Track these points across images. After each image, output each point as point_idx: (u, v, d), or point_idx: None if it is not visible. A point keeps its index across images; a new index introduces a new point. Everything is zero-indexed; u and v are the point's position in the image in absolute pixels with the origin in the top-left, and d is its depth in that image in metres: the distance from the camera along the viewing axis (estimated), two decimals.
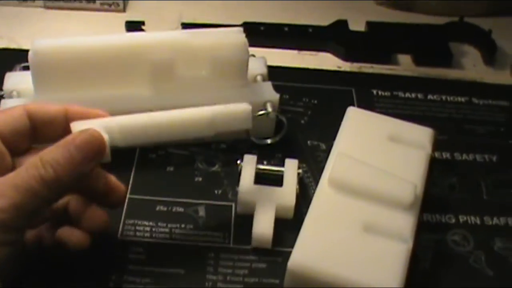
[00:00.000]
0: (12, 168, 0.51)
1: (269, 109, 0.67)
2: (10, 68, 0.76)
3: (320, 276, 0.54)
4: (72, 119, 0.52)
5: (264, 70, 0.72)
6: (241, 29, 0.68)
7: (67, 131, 0.51)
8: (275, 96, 0.68)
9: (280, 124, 0.69)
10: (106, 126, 0.52)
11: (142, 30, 0.85)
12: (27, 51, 0.63)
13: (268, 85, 0.69)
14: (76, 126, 0.51)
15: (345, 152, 0.63)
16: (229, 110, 0.56)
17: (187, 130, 0.55)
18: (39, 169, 0.47)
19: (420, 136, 0.66)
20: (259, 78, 0.71)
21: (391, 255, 0.56)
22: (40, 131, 0.52)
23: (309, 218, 0.58)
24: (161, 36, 0.66)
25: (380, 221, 0.58)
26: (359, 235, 0.57)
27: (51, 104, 0.52)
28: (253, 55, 0.70)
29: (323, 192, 0.61)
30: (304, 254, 0.55)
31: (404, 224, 0.58)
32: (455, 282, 0.60)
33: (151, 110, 0.61)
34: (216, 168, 0.68)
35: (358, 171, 0.61)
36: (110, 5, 0.91)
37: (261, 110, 0.67)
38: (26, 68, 0.71)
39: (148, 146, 0.54)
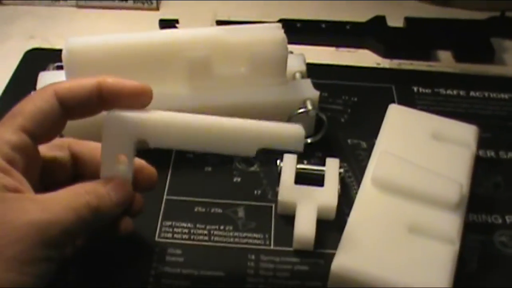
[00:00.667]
0: (39, 157, 0.50)
1: (309, 107, 0.65)
2: (43, 68, 0.75)
3: (365, 279, 0.53)
4: (107, 95, 0.49)
5: (303, 67, 0.70)
6: (279, 25, 0.66)
7: (102, 107, 0.50)
8: (315, 94, 0.67)
9: (319, 123, 0.68)
10: (141, 124, 0.50)
11: (176, 28, 0.84)
12: (60, 50, 0.62)
13: (308, 82, 0.68)
14: (110, 119, 0.50)
15: (388, 151, 0.61)
16: (279, 130, 0.52)
17: (227, 143, 0.51)
18: (85, 195, 0.47)
19: (464, 134, 0.65)
20: (298, 75, 0.69)
21: (438, 257, 0.54)
22: (71, 111, 0.50)
23: (353, 218, 0.57)
24: (197, 32, 0.65)
25: (425, 222, 0.56)
26: (404, 236, 0.55)
27: (82, 81, 0.50)
28: (291, 52, 0.68)
29: (366, 191, 0.59)
30: (348, 256, 0.54)
31: (451, 224, 0.56)
32: (503, 285, 0.57)
33: (187, 109, 0.60)
34: (255, 168, 0.66)
35: (402, 170, 0.59)
36: (143, 3, 0.90)
37: (301, 108, 0.65)
38: (60, 67, 0.70)
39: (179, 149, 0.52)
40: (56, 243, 0.44)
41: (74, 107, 0.49)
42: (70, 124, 0.51)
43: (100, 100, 0.49)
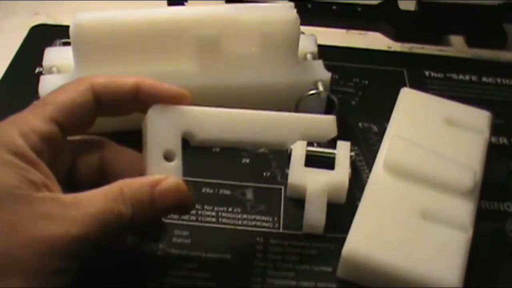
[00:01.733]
0: (67, 152, 0.48)
1: (321, 88, 0.64)
2: (49, 44, 0.74)
3: (376, 265, 0.52)
4: (144, 96, 0.48)
5: (315, 48, 0.69)
6: (292, 4, 0.65)
7: (136, 108, 0.49)
8: (327, 75, 0.65)
9: (330, 105, 0.67)
10: (187, 115, 0.49)
11: (184, 6, 0.82)
12: (65, 26, 0.61)
13: (319, 63, 0.67)
14: (155, 112, 0.48)
15: (400, 135, 0.60)
16: (315, 121, 0.54)
17: (269, 135, 0.52)
18: (119, 204, 0.44)
19: (477, 120, 0.64)
20: (309, 56, 0.68)
21: (450, 244, 0.53)
22: (105, 108, 0.48)
23: (364, 203, 0.56)
24: (207, 10, 0.64)
25: (438, 208, 0.55)
26: (416, 222, 0.54)
27: (121, 79, 0.48)
28: (303, 33, 0.67)
29: (377, 176, 0.58)
30: (359, 241, 0.53)
31: (463, 211, 0.56)
32: None
33: (196, 88, 0.59)
34: (264, 149, 0.65)
35: (414, 155, 0.58)
36: None
37: (312, 89, 0.64)
38: (66, 43, 0.70)
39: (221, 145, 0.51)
40: (79, 255, 0.43)
41: (108, 105, 0.48)
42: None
43: (136, 101, 0.48)
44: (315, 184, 0.59)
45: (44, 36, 0.79)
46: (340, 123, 0.64)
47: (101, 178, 0.50)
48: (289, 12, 0.64)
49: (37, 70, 0.73)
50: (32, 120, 0.44)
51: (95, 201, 0.43)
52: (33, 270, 0.40)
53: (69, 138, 0.48)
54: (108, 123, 0.52)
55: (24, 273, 0.40)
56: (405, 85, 0.73)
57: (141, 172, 0.49)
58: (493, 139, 0.68)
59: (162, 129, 0.48)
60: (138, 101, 0.48)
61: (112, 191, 0.44)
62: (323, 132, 0.53)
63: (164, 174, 0.47)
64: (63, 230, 0.41)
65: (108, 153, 0.51)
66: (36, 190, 0.42)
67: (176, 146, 0.49)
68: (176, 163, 0.49)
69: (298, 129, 0.52)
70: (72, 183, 0.49)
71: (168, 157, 0.49)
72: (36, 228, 0.41)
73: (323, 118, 0.53)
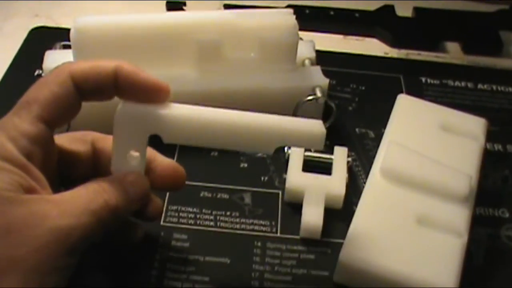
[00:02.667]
0: (55, 149, 0.48)
1: (318, 94, 0.64)
2: (49, 46, 0.73)
3: (372, 270, 0.52)
4: (122, 82, 0.47)
5: (313, 54, 0.70)
6: (290, 10, 0.66)
7: (116, 93, 0.47)
8: (325, 81, 0.66)
9: (327, 110, 0.67)
10: (154, 119, 0.47)
11: (183, 10, 0.83)
12: (65, 29, 0.62)
13: (317, 69, 0.67)
14: (123, 111, 0.47)
15: (397, 141, 0.60)
16: (300, 127, 0.49)
17: (245, 141, 0.48)
18: (103, 194, 0.44)
19: (473, 126, 0.64)
20: (307, 62, 0.68)
21: (446, 249, 0.54)
22: (85, 94, 0.47)
23: (361, 208, 0.56)
24: (207, 15, 0.64)
25: (434, 214, 0.56)
26: (412, 228, 0.55)
27: (101, 65, 0.47)
28: (301, 39, 0.68)
29: (374, 182, 0.59)
30: (356, 246, 0.53)
31: (459, 217, 0.56)
32: (509, 279, 0.57)
33: (195, 92, 0.60)
34: (262, 154, 0.65)
35: (411, 161, 0.58)
36: None
37: (310, 95, 0.64)
38: (66, 46, 0.70)
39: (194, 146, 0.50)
40: (76, 250, 0.43)
41: (89, 91, 0.47)
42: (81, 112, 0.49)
43: (115, 86, 0.47)
44: (313, 189, 0.59)
45: (44, 38, 0.79)
46: (338, 129, 0.66)
47: (93, 171, 0.51)
48: (288, 18, 0.65)
49: (36, 72, 0.74)
50: (20, 124, 0.44)
51: (80, 195, 0.44)
52: (31, 269, 0.40)
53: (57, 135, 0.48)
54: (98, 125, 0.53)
55: (21, 272, 0.40)
56: (401, 91, 0.74)
57: None
58: (488, 146, 0.69)
59: (128, 130, 0.48)
60: (118, 86, 0.47)
61: (91, 185, 0.45)
62: (308, 140, 0.49)
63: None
64: (57, 225, 0.41)
65: (97, 144, 0.52)
66: (27, 193, 0.42)
67: (141, 147, 0.48)
68: (139, 164, 0.49)
69: (280, 134, 0.48)
70: (66, 178, 0.50)
71: (131, 157, 0.49)
72: (29, 227, 0.41)
73: (310, 125, 0.50)
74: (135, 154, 0.48)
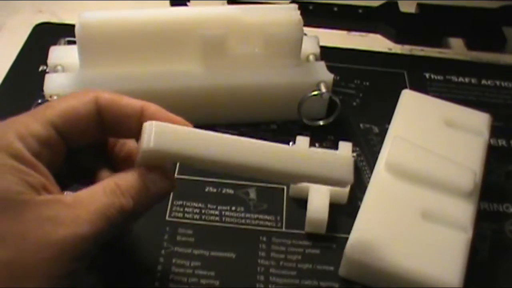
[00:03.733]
0: (64, 157, 0.47)
1: (323, 89, 0.64)
2: (53, 42, 0.74)
3: (377, 264, 0.52)
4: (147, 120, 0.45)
5: (317, 50, 0.70)
6: (295, 6, 0.66)
7: (139, 133, 0.46)
8: (329, 77, 0.66)
9: (331, 106, 0.67)
10: (181, 144, 0.45)
11: (187, 6, 0.83)
12: (69, 25, 0.62)
13: (322, 65, 0.67)
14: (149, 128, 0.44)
15: (401, 136, 0.61)
16: (328, 163, 0.47)
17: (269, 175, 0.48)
18: (120, 197, 0.44)
19: (477, 122, 0.64)
20: (311, 57, 0.68)
21: (451, 244, 0.54)
22: (108, 126, 0.47)
23: (366, 203, 0.57)
24: (211, 11, 0.64)
25: (438, 209, 0.56)
26: (417, 222, 0.55)
27: (127, 99, 0.47)
28: (305, 34, 0.68)
29: (379, 177, 0.59)
30: (361, 241, 0.53)
31: (464, 212, 0.56)
32: None
33: (200, 87, 0.60)
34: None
35: (416, 156, 0.59)
36: None
37: (314, 90, 0.64)
38: (71, 42, 0.70)
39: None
40: (88, 254, 0.43)
41: (111, 122, 0.47)
42: None
43: (139, 125, 0.45)
44: (318, 184, 0.59)
45: (48, 34, 0.79)
46: (342, 124, 0.66)
47: (101, 135, 0.49)
48: (293, 13, 0.65)
49: (40, 68, 0.74)
50: (31, 124, 0.44)
51: (95, 198, 0.44)
52: (46, 275, 0.40)
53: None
54: None
55: (37, 279, 0.40)
56: (405, 87, 0.74)
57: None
58: (492, 141, 0.69)
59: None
60: (141, 125, 0.45)
61: (109, 185, 0.44)
62: (335, 177, 0.48)
63: None
64: (71, 232, 0.41)
65: (103, 110, 0.48)
66: (37, 194, 0.42)
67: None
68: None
69: (306, 169, 0.47)
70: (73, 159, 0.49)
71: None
72: (44, 233, 0.41)
73: (339, 159, 0.48)
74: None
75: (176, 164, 0.59)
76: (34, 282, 0.40)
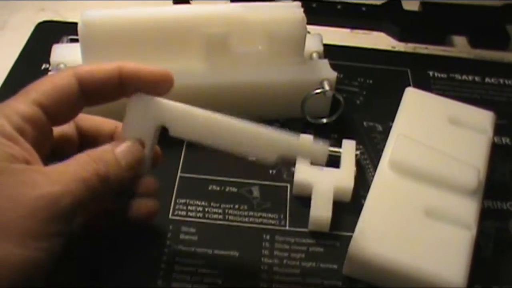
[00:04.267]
0: (51, 135, 0.49)
1: (326, 87, 0.64)
2: (56, 40, 0.74)
3: (381, 262, 0.52)
4: (127, 80, 0.49)
5: (320, 48, 0.70)
6: (299, 3, 0.66)
7: (122, 93, 0.49)
8: (333, 74, 0.66)
9: (335, 104, 0.67)
10: (165, 110, 0.49)
11: (189, 3, 0.83)
12: (71, 23, 0.62)
13: (325, 63, 0.67)
14: (136, 100, 0.49)
15: (405, 134, 0.60)
16: (303, 142, 0.52)
17: (248, 144, 0.50)
18: (92, 164, 0.45)
19: (481, 120, 0.64)
20: (315, 55, 0.68)
21: (455, 242, 0.53)
22: (91, 96, 0.49)
23: (370, 201, 0.56)
24: (214, 8, 0.64)
25: (442, 206, 0.56)
26: (421, 220, 0.55)
27: (103, 66, 0.49)
28: (309, 32, 0.67)
29: (383, 174, 0.59)
30: (365, 239, 0.53)
31: (468, 210, 0.56)
32: None
33: (203, 85, 0.60)
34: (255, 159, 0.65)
35: (419, 154, 0.59)
36: None
37: (318, 88, 0.64)
38: (73, 40, 0.70)
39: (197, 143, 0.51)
40: (67, 216, 0.43)
41: (93, 91, 0.48)
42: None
43: (120, 85, 0.49)
44: (321, 182, 0.59)
45: (50, 32, 0.79)
46: (345, 122, 0.66)
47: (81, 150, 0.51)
48: (296, 11, 0.65)
49: (43, 66, 0.74)
50: (15, 105, 0.45)
51: (70, 164, 0.45)
52: (22, 234, 0.40)
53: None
54: None
55: (12, 237, 0.40)
56: (409, 85, 0.73)
57: (111, 136, 0.53)
58: (496, 139, 0.68)
59: (137, 119, 0.50)
60: (123, 85, 0.49)
61: (81, 156, 0.46)
62: (309, 156, 0.53)
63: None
64: (46, 191, 0.42)
65: (81, 124, 0.53)
66: (17, 163, 0.43)
67: (148, 137, 0.50)
68: (146, 152, 0.50)
69: (285, 142, 0.50)
70: (56, 160, 0.49)
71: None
72: (18, 193, 0.41)
73: (315, 142, 0.52)
74: (142, 143, 0.50)
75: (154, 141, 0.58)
76: (9, 240, 0.40)
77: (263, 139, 0.49)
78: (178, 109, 0.49)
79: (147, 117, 0.49)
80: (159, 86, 0.49)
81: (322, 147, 0.50)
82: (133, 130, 0.50)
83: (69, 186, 0.43)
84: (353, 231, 0.54)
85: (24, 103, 0.45)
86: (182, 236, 0.57)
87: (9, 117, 0.44)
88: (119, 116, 0.51)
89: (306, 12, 0.65)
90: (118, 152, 0.48)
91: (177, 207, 0.59)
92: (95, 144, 0.50)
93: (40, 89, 0.46)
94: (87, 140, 0.52)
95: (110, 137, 0.52)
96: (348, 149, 0.62)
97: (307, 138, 0.52)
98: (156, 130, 0.50)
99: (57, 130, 0.50)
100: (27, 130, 0.45)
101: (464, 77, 0.78)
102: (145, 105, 0.49)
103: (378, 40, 0.84)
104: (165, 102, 0.49)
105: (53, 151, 0.50)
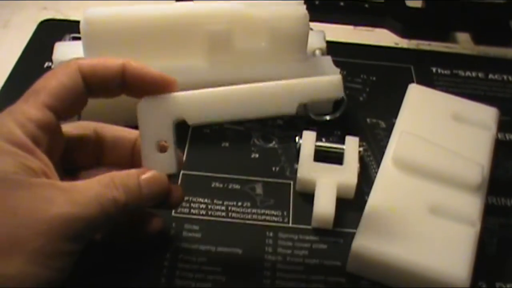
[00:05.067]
0: (61, 136, 0.48)
1: None
2: (59, 38, 0.74)
3: (385, 259, 0.52)
4: (130, 78, 0.48)
5: (323, 44, 0.70)
6: (301, 1, 0.65)
7: (123, 90, 0.49)
8: (336, 71, 0.66)
9: (338, 101, 0.67)
10: (178, 102, 0.49)
11: (192, 0, 0.82)
12: (73, 21, 0.62)
13: (328, 59, 0.67)
14: (145, 104, 0.49)
15: (408, 131, 0.60)
16: (317, 82, 0.51)
17: (267, 105, 0.50)
18: (112, 189, 0.45)
19: (484, 116, 0.64)
20: (317, 52, 0.68)
21: (458, 239, 0.53)
22: (93, 90, 0.48)
23: (373, 198, 0.56)
24: (217, 6, 0.64)
25: (446, 203, 0.56)
26: (425, 217, 0.55)
27: (107, 61, 0.49)
28: (311, 29, 0.67)
29: (386, 171, 0.58)
30: (369, 236, 0.53)
31: (471, 206, 0.56)
32: None
33: (206, 82, 0.59)
34: (273, 144, 0.66)
35: (423, 150, 0.58)
36: None
37: None
38: (76, 38, 0.70)
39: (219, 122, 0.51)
40: (80, 237, 0.43)
41: (96, 86, 0.48)
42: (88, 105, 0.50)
43: (122, 82, 0.48)
44: (324, 179, 0.59)
45: (53, 30, 0.79)
46: (349, 119, 0.66)
47: (96, 160, 0.52)
48: (299, 8, 0.65)
49: (46, 64, 0.74)
50: (28, 109, 0.45)
51: (91, 186, 0.44)
52: (35, 251, 0.40)
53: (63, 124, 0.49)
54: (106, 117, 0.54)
55: (26, 254, 0.40)
56: (412, 82, 0.73)
57: (132, 146, 0.52)
58: (500, 136, 0.68)
59: (153, 121, 0.49)
60: (125, 83, 0.49)
61: (105, 178, 0.45)
62: (327, 91, 0.50)
63: (158, 164, 0.49)
64: (64, 211, 0.42)
65: (100, 132, 0.52)
66: (35, 176, 0.42)
67: (168, 136, 0.49)
68: (169, 154, 0.50)
69: (299, 90, 0.50)
70: (69, 166, 0.50)
71: (161, 148, 0.50)
72: (36, 210, 0.41)
73: (327, 79, 0.51)
74: (164, 143, 0.50)
75: (179, 176, 0.59)
76: (22, 256, 0.40)
77: (279, 95, 0.50)
78: (189, 97, 0.49)
79: (162, 116, 0.49)
80: (161, 90, 0.49)
81: (336, 81, 0.50)
82: (152, 134, 0.49)
83: (87, 209, 0.43)
84: (356, 227, 0.54)
85: (35, 107, 0.45)
86: (185, 233, 0.57)
87: (23, 125, 0.44)
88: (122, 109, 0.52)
89: (309, 9, 0.65)
90: (143, 179, 0.47)
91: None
92: (115, 153, 0.51)
93: (48, 90, 0.46)
94: (108, 149, 0.52)
95: (131, 148, 0.52)
96: (352, 146, 0.62)
97: (320, 79, 0.50)
98: (173, 126, 0.49)
99: (75, 135, 0.51)
100: (41, 137, 0.45)
101: (468, 73, 0.78)
102: (156, 105, 0.49)
103: (381, 37, 0.84)
104: (173, 95, 0.49)
105: (68, 156, 0.50)
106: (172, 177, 0.50)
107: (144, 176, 0.47)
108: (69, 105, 0.47)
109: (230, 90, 0.49)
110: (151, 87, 0.49)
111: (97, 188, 0.44)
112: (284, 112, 0.50)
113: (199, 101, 0.49)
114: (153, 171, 0.48)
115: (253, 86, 0.50)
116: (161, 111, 0.49)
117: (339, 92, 0.50)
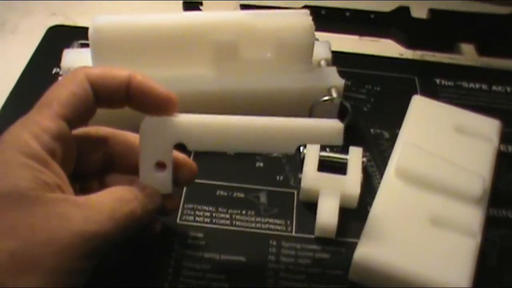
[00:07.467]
0: (74, 145, 0.49)
1: (334, 95, 0.65)
2: (67, 45, 0.74)
3: (387, 269, 0.53)
4: (133, 91, 0.49)
5: (329, 55, 0.70)
6: (307, 11, 0.66)
7: (127, 102, 0.49)
8: (340, 82, 0.66)
9: (342, 111, 0.67)
10: (179, 128, 0.50)
11: (199, 10, 0.83)
12: (82, 27, 0.62)
13: (333, 70, 0.67)
14: (148, 123, 0.49)
15: (411, 142, 0.61)
16: (318, 126, 0.51)
17: (267, 142, 0.51)
18: (128, 204, 0.46)
19: (487, 128, 0.65)
20: (323, 62, 0.69)
21: (459, 250, 0.54)
22: (100, 100, 0.49)
23: (375, 208, 0.57)
24: (224, 16, 0.65)
25: (447, 214, 0.56)
26: (426, 228, 0.55)
27: (114, 71, 0.49)
28: (317, 39, 0.68)
29: (389, 182, 0.59)
30: (371, 246, 0.54)
31: (472, 218, 0.56)
32: None
33: (212, 92, 0.60)
34: (277, 154, 0.66)
35: (425, 162, 0.59)
36: None
37: (326, 95, 0.65)
38: (84, 45, 0.70)
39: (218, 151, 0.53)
40: (96, 254, 0.44)
41: (103, 96, 0.48)
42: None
43: (127, 94, 0.49)
44: (328, 188, 0.59)
45: (61, 37, 0.80)
46: (352, 129, 0.66)
47: (108, 166, 0.53)
48: (304, 19, 0.65)
49: (54, 70, 0.74)
50: (42, 121, 0.45)
51: (105, 201, 0.45)
52: (51, 269, 0.41)
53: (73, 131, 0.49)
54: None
55: (42, 272, 0.41)
56: (416, 93, 0.74)
57: None
58: (502, 148, 0.68)
59: (153, 142, 0.50)
60: (129, 95, 0.49)
61: (116, 192, 0.46)
62: (328, 137, 0.51)
63: (155, 184, 0.50)
64: (80, 229, 0.42)
65: (109, 139, 0.53)
66: (50, 191, 0.43)
67: (167, 157, 0.50)
68: (166, 174, 0.51)
69: (300, 133, 0.51)
70: (77, 172, 0.50)
71: (159, 167, 0.51)
72: (53, 228, 0.42)
73: (328, 123, 0.51)
74: (163, 164, 0.51)
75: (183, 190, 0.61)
76: (38, 275, 0.40)
77: (279, 135, 0.50)
78: (192, 123, 0.50)
79: (163, 138, 0.50)
80: (164, 105, 0.49)
81: (337, 129, 0.51)
82: (151, 153, 0.50)
83: (103, 226, 0.43)
84: (359, 237, 0.55)
85: (49, 118, 0.45)
86: (189, 241, 0.58)
87: (38, 136, 0.44)
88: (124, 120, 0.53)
89: (314, 19, 0.65)
90: (146, 194, 0.49)
91: (185, 212, 0.60)
92: (126, 160, 0.52)
93: (61, 100, 0.46)
94: (119, 155, 0.53)
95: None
96: (355, 156, 0.63)
97: (320, 122, 0.51)
98: (173, 148, 0.50)
99: (85, 143, 0.51)
100: (56, 149, 0.45)
101: (471, 85, 0.78)
102: (158, 127, 0.49)
103: (386, 47, 0.84)
104: (177, 119, 0.49)
105: (78, 164, 0.50)
106: None
107: (145, 192, 0.49)
108: (81, 114, 0.48)
109: (233, 121, 0.50)
110: (154, 101, 0.49)
111: (111, 202, 0.45)
112: (283, 152, 0.51)
113: (201, 129, 0.50)
114: (150, 187, 0.50)
115: (255, 120, 0.50)
116: (163, 133, 0.49)
117: (339, 141, 0.51)
